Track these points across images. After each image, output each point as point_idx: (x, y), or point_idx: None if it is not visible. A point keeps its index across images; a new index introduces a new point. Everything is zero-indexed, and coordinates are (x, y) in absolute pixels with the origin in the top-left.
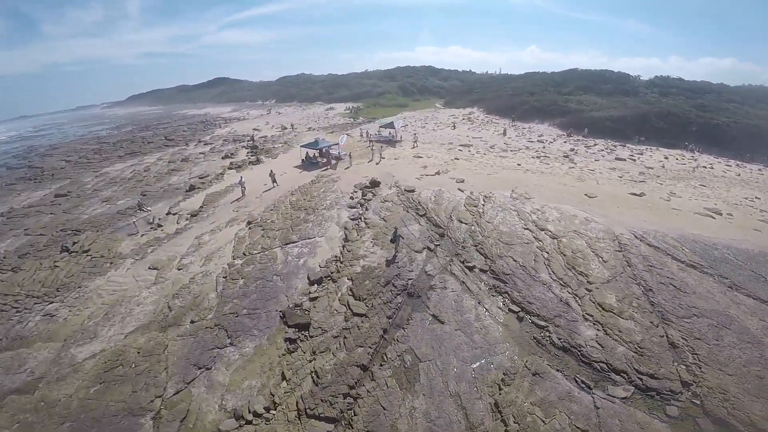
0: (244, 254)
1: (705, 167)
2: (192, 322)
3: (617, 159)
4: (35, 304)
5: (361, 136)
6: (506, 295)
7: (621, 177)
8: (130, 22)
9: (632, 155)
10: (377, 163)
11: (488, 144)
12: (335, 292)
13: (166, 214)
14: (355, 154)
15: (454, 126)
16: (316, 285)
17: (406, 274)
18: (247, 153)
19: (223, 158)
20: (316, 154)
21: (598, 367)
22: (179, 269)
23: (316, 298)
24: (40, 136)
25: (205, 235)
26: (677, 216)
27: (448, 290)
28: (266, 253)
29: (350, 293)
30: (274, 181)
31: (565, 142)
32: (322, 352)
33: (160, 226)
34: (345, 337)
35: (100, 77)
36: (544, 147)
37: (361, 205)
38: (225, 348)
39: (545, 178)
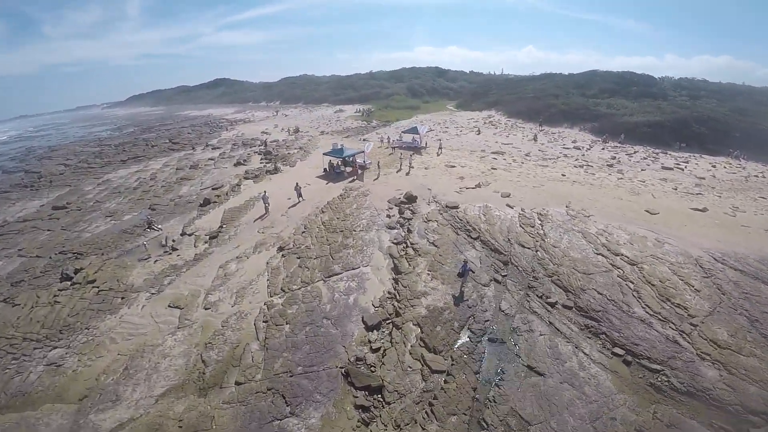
0: (283, 290)
1: (757, 176)
2: (237, 383)
3: (664, 168)
4: (35, 349)
5: (382, 141)
6: (604, 336)
7: (675, 189)
8: (129, 23)
9: (678, 164)
10: (407, 174)
11: (522, 151)
12: (402, 341)
13: (181, 235)
14: (380, 162)
15: (479, 131)
16: (375, 331)
17: (481, 315)
18: (262, 160)
19: (235, 165)
20: (340, 163)
21: (733, 410)
22: (206, 308)
23: (379, 349)
24: (39, 136)
25: (230, 263)
26: (750, 234)
27: (535, 333)
28: (308, 288)
29: (422, 343)
30: (299, 195)
31: (603, 149)
32: (407, 424)
33: (174, 249)
34: (430, 403)
35: (99, 78)
36: (583, 155)
37: (402, 225)
38: (285, 419)
39: (596, 192)
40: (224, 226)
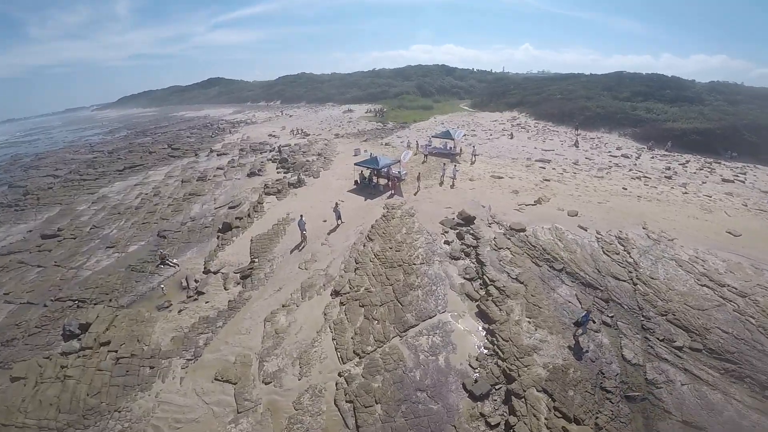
0: (357, 354)
1: None
2: None
3: (724, 181)
4: None
5: (409, 146)
6: (749, 380)
7: (745, 206)
8: (118, 24)
9: (736, 175)
10: (452, 187)
11: (568, 159)
12: (531, 413)
13: (204, 273)
14: (415, 173)
15: (512, 135)
16: (484, 401)
17: (608, 368)
18: (278, 169)
19: (249, 176)
20: (374, 175)
21: None
22: (267, 383)
23: (498, 425)
24: (26, 142)
25: (277, 314)
26: None
27: (676, 383)
28: (385, 349)
29: (558, 414)
30: (338, 217)
31: (652, 157)
32: None
33: (200, 293)
34: None
35: (88, 79)
36: (634, 164)
37: (467, 255)
38: None
39: (668, 209)
40: (256, 260)
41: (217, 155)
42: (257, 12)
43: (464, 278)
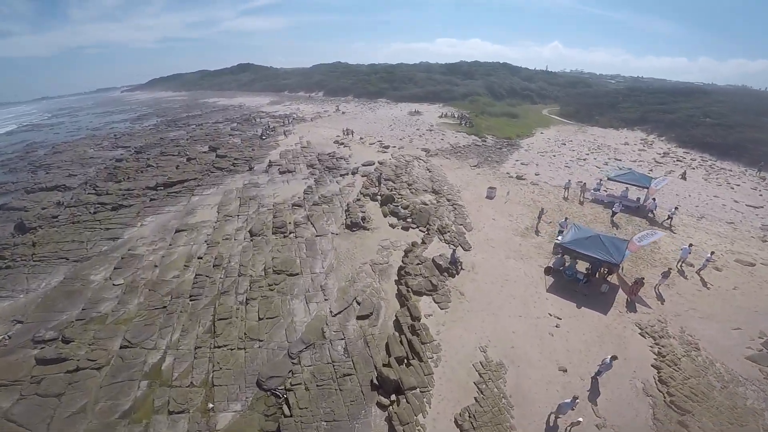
0: None
1: None
2: None
3: None
4: None
5: (566, 190)
6: None
7: None
8: (151, 6)
9: None
10: (704, 285)
11: None
12: None
13: None
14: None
15: (684, 175)
16: None
17: None
18: (387, 214)
19: (351, 229)
20: (571, 261)
21: None
22: None
23: None
24: (49, 126)
25: None
26: None
27: None
28: None
29: None
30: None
31: None
32: None
33: None
34: None
35: (120, 61)
36: None
37: None
38: None
39: None
40: None
41: (280, 172)
42: None
43: None
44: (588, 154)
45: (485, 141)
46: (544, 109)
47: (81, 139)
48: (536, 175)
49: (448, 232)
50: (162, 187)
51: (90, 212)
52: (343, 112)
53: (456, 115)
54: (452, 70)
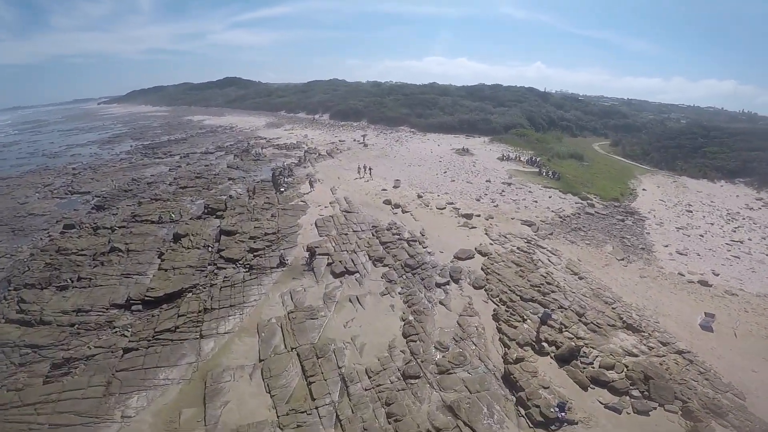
0: None
1: None
2: None
3: None
4: None
5: None
6: None
7: None
8: (139, 17)
9: None
10: None
11: None
12: None
13: None
14: None
15: None
16: None
17: None
18: (583, 374)
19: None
20: None
21: None
22: None
23: None
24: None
25: None
26: None
27: None
28: None
29: None
30: None
31: None
32: None
33: None
34: None
35: (102, 71)
36: None
37: None
38: None
39: None
40: None
41: (334, 274)
42: (276, 14)
43: None
44: (735, 230)
45: (592, 205)
46: (592, 143)
47: (29, 172)
48: (716, 275)
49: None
50: (140, 307)
51: None
52: (366, 144)
53: (523, 158)
54: (473, 94)
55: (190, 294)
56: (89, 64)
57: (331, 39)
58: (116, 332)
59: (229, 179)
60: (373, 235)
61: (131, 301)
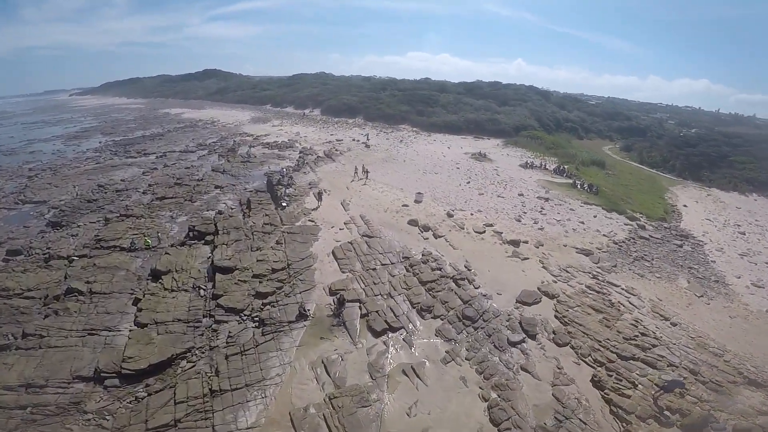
0: None
1: None
2: None
3: None
4: None
5: None
6: None
7: None
8: (114, 9)
9: None
10: None
11: None
12: None
13: None
14: None
15: None
16: None
17: None
18: None
19: None
20: None
21: None
22: None
23: None
24: None
25: None
26: None
27: None
28: None
29: None
30: None
31: None
32: None
33: None
34: None
35: (76, 63)
36: None
37: None
38: None
39: None
40: None
41: (373, 332)
42: (256, 7)
43: None
44: None
45: (642, 227)
46: (602, 147)
47: None
48: None
49: None
50: (116, 381)
51: None
52: (368, 145)
53: (549, 167)
54: (472, 91)
55: (185, 362)
56: (62, 56)
57: (313, 33)
58: (90, 420)
59: (216, 187)
60: (407, 269)
61: (102, 374)
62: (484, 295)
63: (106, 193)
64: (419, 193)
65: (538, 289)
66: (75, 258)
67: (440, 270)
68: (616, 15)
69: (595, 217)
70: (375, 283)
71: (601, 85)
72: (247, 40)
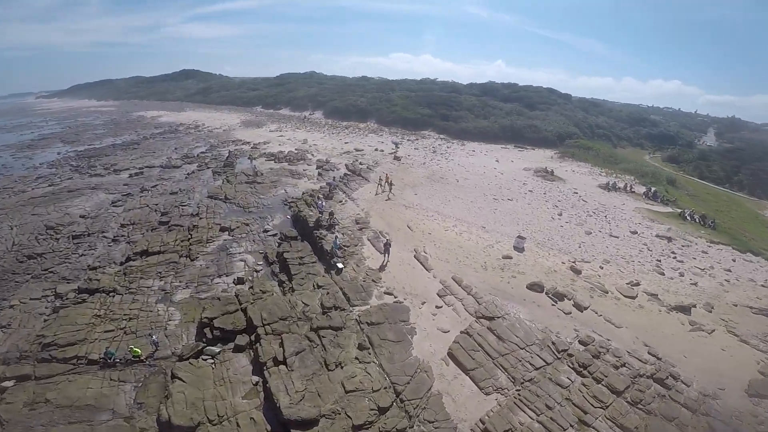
0: None
1: None
2: None
3: None
4: None
5: None
6: None
7: None
8: (87, 8)
9: None
10: None
11: None
12: None
13: None
14: None
15: None
16: None
17: None
18: None
19: None
20: None
21: None
22: None
23: None
24: None
25: None
26: None
27: None
28: None
29: None
30: None
31: None
32: None
33: None
34: None
35: (44, 64)
36: None
37: None
38: None
39: None
40: None
41: None
42: (236, 7)
43: None
44: None
45: None
46: (642, 156)
47: None
48: None
49: None
50: None
51: None
52: (397, 157)
53: (636, 189)
54: (487, 93)
55: None
56: (28, 57)
57: (294, 33)
58: None
59: (222, 229)
60: (577, 372)
61: None
62: (706, 395)
63: (57, 240)
64: (520, 237)
65: (762, 373)
66: (6, 391)
67: (625, 366)
68: (593, 17)
69: (734, 261)
70: (549, 408)
71: (578, 86)
72: (226, 40)
